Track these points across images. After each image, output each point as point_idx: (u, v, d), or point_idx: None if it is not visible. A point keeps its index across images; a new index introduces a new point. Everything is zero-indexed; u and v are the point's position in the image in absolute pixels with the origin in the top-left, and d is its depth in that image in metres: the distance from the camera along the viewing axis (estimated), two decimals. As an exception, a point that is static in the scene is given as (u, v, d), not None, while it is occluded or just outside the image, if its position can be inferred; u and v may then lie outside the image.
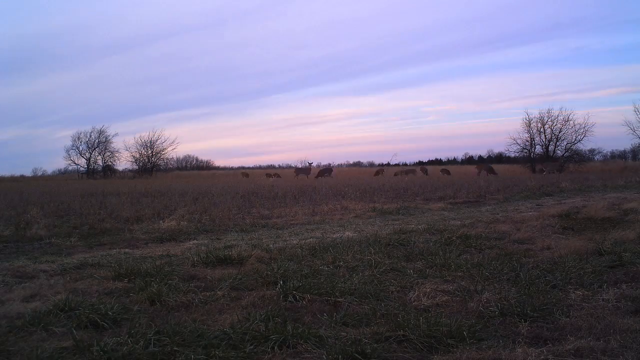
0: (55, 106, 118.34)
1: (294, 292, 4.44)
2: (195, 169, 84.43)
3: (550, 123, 45.51)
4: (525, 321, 3.77)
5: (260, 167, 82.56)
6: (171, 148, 60.61)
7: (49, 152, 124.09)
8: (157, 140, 59.52)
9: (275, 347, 3.31)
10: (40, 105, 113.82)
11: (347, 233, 8.68)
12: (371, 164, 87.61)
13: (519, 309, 3.95)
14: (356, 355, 3.12)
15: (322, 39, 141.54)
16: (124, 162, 61.77)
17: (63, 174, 63.96)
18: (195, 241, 8.33)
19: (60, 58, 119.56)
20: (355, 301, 4.33)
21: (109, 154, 58.74)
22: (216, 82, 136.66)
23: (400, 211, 12.54)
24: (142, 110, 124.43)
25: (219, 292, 4.61)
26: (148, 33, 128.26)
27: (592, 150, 50.17)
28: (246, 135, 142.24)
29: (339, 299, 4.34)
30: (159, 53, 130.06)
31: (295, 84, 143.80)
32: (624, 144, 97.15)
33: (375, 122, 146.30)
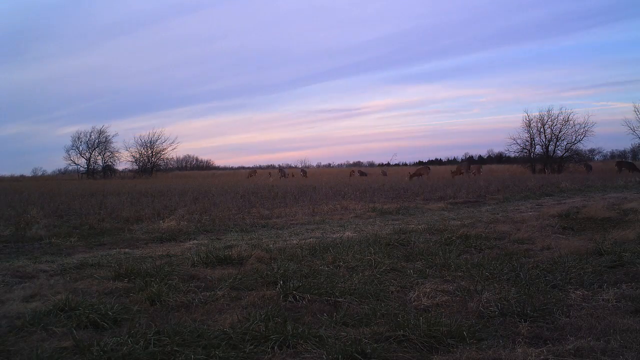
0: (58, 102, 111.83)
1: (294, 292, 4.44)
2: (195, 168, 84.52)
3: (550, 123, 45.48)
4: (525, 321, 3.77)
5: (260, 167, 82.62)
6: (171, 148, 60.69)
7: (50, 149, 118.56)
8: (157, 140, 59.59)
9: (275, 347, 3.31)
10: (41, 100, 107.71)
11: (347, 233, 8.68)
12: (371, 164, 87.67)
13: (519, 309, 3.95)
14: (356, 355, 3.12)
15: (383, 14, 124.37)
16: (124, 162, 61.74)
17: (63, 174, 63.93)
18: (195, 241, 8.33)
19: (59, 38, 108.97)
20: (355, 301, 4.33)
21: (109, 154, 58.79)
22: (241, 72, 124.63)
23: (400, 211, 12.53)
24: (150, 105, 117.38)
25: (219, 292, 4.61)
26: (160, 7, 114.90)
27: (592, 150, 50.19)
28: (269, 130, 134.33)
29: (339, 299, 4.34)
30: (174, 34, 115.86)
31: (341, 70, 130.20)
32: (624, 143, 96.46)
33: (418, 114, 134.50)
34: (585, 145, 45.84)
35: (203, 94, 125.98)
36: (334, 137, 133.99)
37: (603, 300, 4.28)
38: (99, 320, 3.79)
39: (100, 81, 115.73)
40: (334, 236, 8.32)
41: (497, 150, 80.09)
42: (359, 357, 3.11)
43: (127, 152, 60.45)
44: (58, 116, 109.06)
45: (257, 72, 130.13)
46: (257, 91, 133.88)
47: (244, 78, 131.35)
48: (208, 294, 4.59)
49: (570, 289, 4.63)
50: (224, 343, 3.36)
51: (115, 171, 59.08)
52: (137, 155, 59.67)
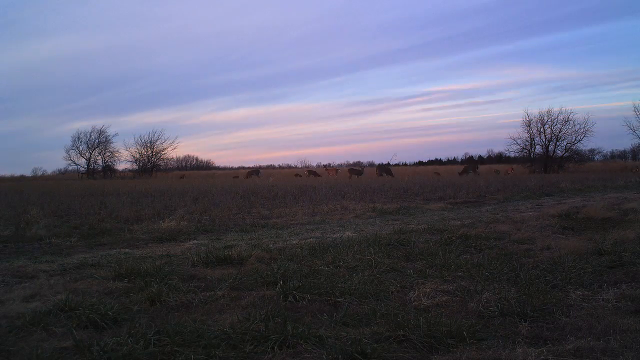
0: (67, 91, 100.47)
1: (294, 292, 4.44)
2: (195, 168, 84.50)
3: (550, 123, 45.54)
4: (525, 321, 3.77)
5: (261, 167, 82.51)
6: (171, 148, 60.66)
7: (59, 145, 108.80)
8: (157, 140, 59.61)
9: (275, 347, 3.31)
10: (52, 90, 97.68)
11: (347, 233, 8.68)
12: (371, 164, 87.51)
13: (519, 309, 3.95)
14: (356, 355, 3.12)
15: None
16: (124, 162, 61.71)
17: (63, 174, 63.95)
18: (195, 241, 8.33)
19: (63, 7, 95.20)
20: (355, 301, 4.32)
21: (109, 154, 58.85)
22: (303, 54, 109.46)
23: (400, 211, 12.54)
24: (176, 95, 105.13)
25: (219, 292, 4.61)
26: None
27: (592, 150, 50.27)
28: (297, 124, 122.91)
29: (339, 299, 4.34)
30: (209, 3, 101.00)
31: (408, 52, 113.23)
32: (624, 143, 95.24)
33: (470, 105, 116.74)
34: (585, 145, 45.93)
35: (242, 82, 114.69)
36: (366, 131, 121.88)
37: (603, 300, 4.27)
38: (99, 320, 3.79)
39: (117, 66, 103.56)
40: (334, 236, 8.32)
41: (497, 150, 79.70)
42: (359, 357, 3.11)
43: (127, 151, 60.58)
44: (68, 109, 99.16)
45: (315, 55, 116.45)
46: (309, 77, 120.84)
47: (299, 63, 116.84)
48: (208, 294, 4.58)
49: (570, 289, 4.63)
50: (224, 343, 3.35)
51: (115, 171, 59.13)
52: (137, 156, 59.76)
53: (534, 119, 46.00)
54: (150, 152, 59.81)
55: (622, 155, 70.67)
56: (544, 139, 45.98)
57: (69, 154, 58.17)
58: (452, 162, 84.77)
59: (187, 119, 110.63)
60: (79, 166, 59.03)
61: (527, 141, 46.25)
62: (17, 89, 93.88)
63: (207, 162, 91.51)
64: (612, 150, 71.28)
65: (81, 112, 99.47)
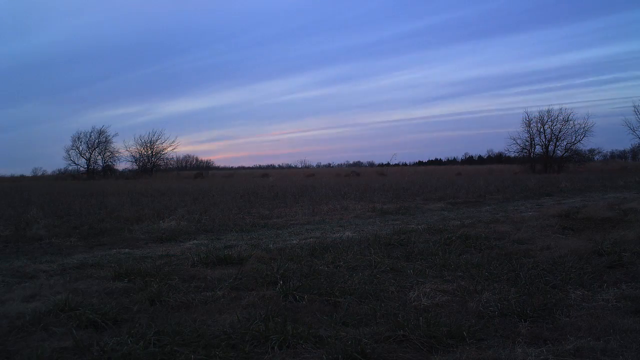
0: (84, 71, 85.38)
1: (294, 292, 4.44)
2: (194, 169, 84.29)
3: (550, 123, 45.55)
4: (525, 321, 3.77)
5: (260, 167, 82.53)
6: (171, 148, 60.62)
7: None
8: (157, 140, 59.59)
9: (275, 347, 3.31)
10: (67, 72, 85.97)
11: (347, 233, 8.68)
12: (371, 164, 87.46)
13: (519, 309, 3.94)
14: (356, 355, 3.11)
15: None
16: (124, 161, 61.73)
17: (63, 174, 63.94)
18: (195, 241, 8.33)
19: None
20: (355, 301, 4.32)
21: (108, 154, 58.89)
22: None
23: (400, 211, 12.54)
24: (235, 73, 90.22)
25: (219, 292, 4.61)
26: None
27: (592, 150, 50.26)
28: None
29: (339, 299, 4.34)
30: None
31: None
32: (625, 143, 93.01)
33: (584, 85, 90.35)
34: (585, 145, 45.95)
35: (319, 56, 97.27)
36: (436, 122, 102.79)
37: (603, 300, 4.27)
38: (99, 320, 3.79)
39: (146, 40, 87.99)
40: (334, 236, 8.32)
41: (497, 150, 79.18)
42: (359, 357, 3.11)
43: (127, 151, 60.58)
44: (83, 95, 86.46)
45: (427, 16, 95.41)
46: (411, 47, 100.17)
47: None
48: (208, 294, 4.59)
49: (570, 289, 4.63)
50: (224, 343, 3.35)
51: (115, 171, 59.14)
52: (137, 155, 59.77)
53: (534, 119, 46.05)
54: (150, 152, 59.84)
55: (622, 155, 70.80)
56: (543, 139, 46.04)
57: (69, 154, 58.25)
58: (452, 161, 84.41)
59: (251, 103, 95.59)
60: (78, 166, 59.06)
61: (527, 141, 46.30)
62: (18, 70, 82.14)
63: (207, 162, 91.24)
64: (612, 150, 71.36)
65: (91, 99, 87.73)
